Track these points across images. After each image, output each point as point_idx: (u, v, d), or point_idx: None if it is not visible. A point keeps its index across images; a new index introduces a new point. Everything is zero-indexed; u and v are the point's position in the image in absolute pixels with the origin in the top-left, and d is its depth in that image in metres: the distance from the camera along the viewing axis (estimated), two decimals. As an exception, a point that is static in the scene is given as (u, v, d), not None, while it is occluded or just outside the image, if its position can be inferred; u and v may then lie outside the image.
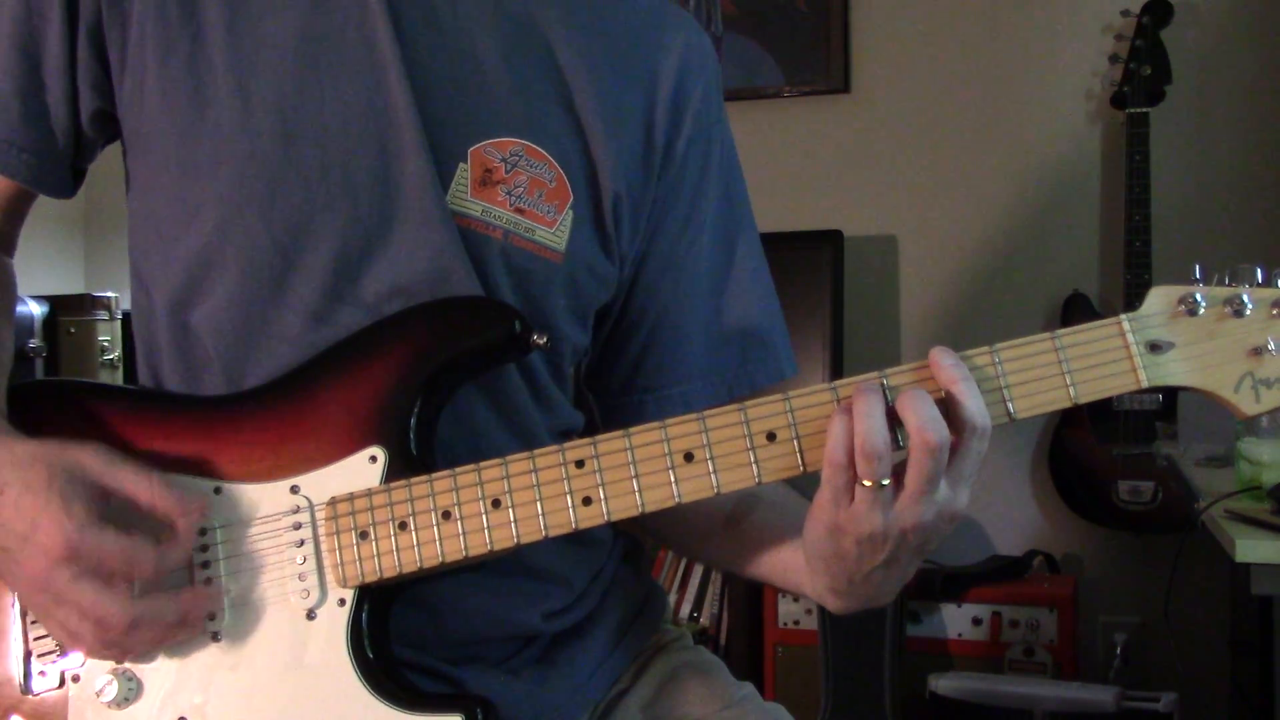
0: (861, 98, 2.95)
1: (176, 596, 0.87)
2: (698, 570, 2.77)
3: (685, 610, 2.76)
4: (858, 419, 0.81)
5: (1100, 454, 2.61)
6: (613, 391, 1.11)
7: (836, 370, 2.68)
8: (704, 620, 2.75)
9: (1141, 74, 2.58)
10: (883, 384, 0.83)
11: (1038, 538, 2.82)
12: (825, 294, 2.70)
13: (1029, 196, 2.83)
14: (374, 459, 0.89)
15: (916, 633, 2.54)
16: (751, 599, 2.67)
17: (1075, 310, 2.69)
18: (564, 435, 1.07)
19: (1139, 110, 2.58)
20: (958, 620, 2.53)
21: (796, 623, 2.61)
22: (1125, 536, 2.69)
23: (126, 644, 0.86)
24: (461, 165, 0.96)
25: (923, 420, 0.80)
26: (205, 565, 0.90)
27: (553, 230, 0.99)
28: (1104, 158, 2.78)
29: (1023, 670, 2.48)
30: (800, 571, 0.95)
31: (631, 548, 1.14)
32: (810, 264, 2.70)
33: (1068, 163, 2.81)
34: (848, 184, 2.95)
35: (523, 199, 0.98)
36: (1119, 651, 2.65)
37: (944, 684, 2.40)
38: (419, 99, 0.94)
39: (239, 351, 0.95)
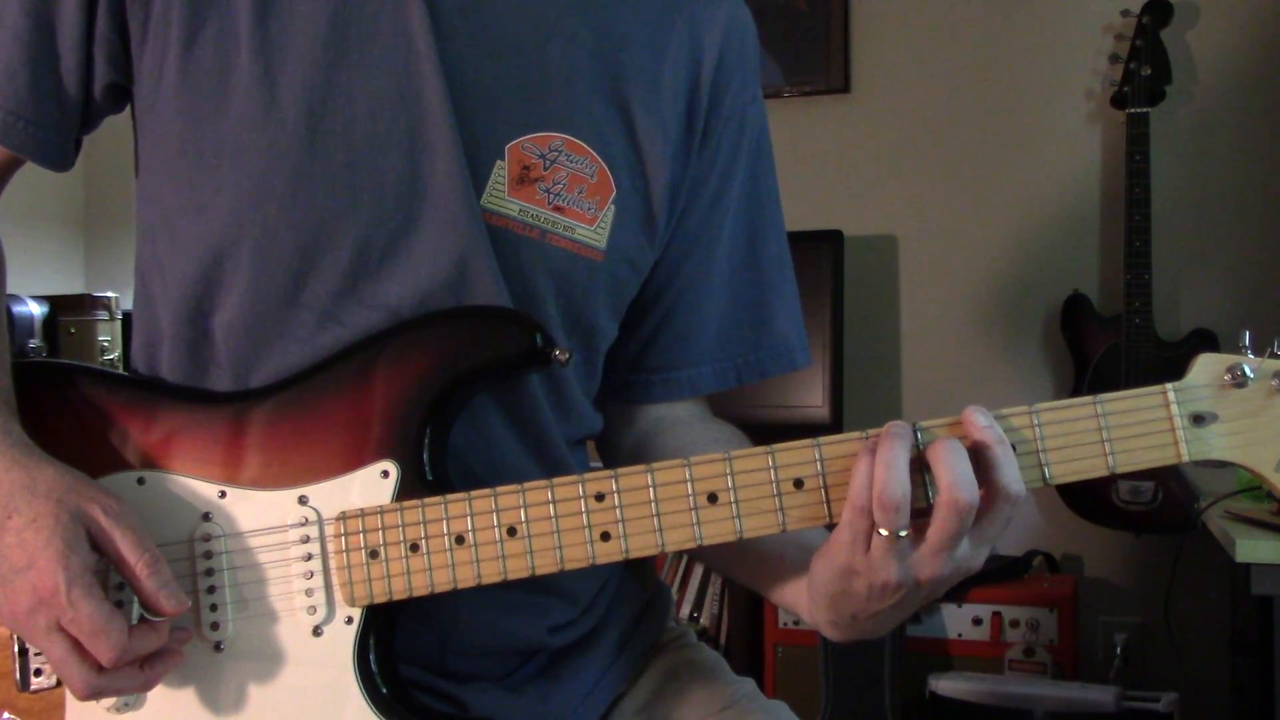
0: (861, 98, 2.95)
1: (140, 672, 0.84)
2: (698, 570, 2.77)
3: (685, 610, 2.75)
4: (879, 466, 0.78)
5: (1100, 454, 2.60)
6: (619, 369, 1.08)
7: (836, 371, 2.68)
8: (704, 620, 2.75)
9: (1141, 74, 2.58)
10: (915, 429, 0.81)
11: (1038, 538, 2.81)
12: (825, 294, 2.69)
13: (1029, 196, 2.83)
14: (386, 474, 0.87)
15: (916, 633, 2.54)
16: (751, 599, 2.66)
17: (1075, 310, 2.69)
18: (581, 443, 1.05)
19: (1139, 110, 2.57)
20: (958, 620, 2.53)
21: (796, 623, 2.60)
22: (1125, 536, 2.69)
23: (91, 699, 0.85)
24: (499, 162, 0.93)
25: (955, 477, 0.77)
26: (209, 573, 0.89)
27: (593, 228, 0.97)
28: (1104, 158, 2.78)
29: (1023, 670, 2.48)
30: (799, 595, 0.92)
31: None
32: (810, 264, 2.70)
33: (1068, 163, 2.80)
34: (848, 184, 2.95)
35: (562, 196, 0.95)
36: (1119, 651, 2.65)
37: (944, 684, 2.40)
38: (454, 93, 0.91)
39: (249, 350, 0.92)
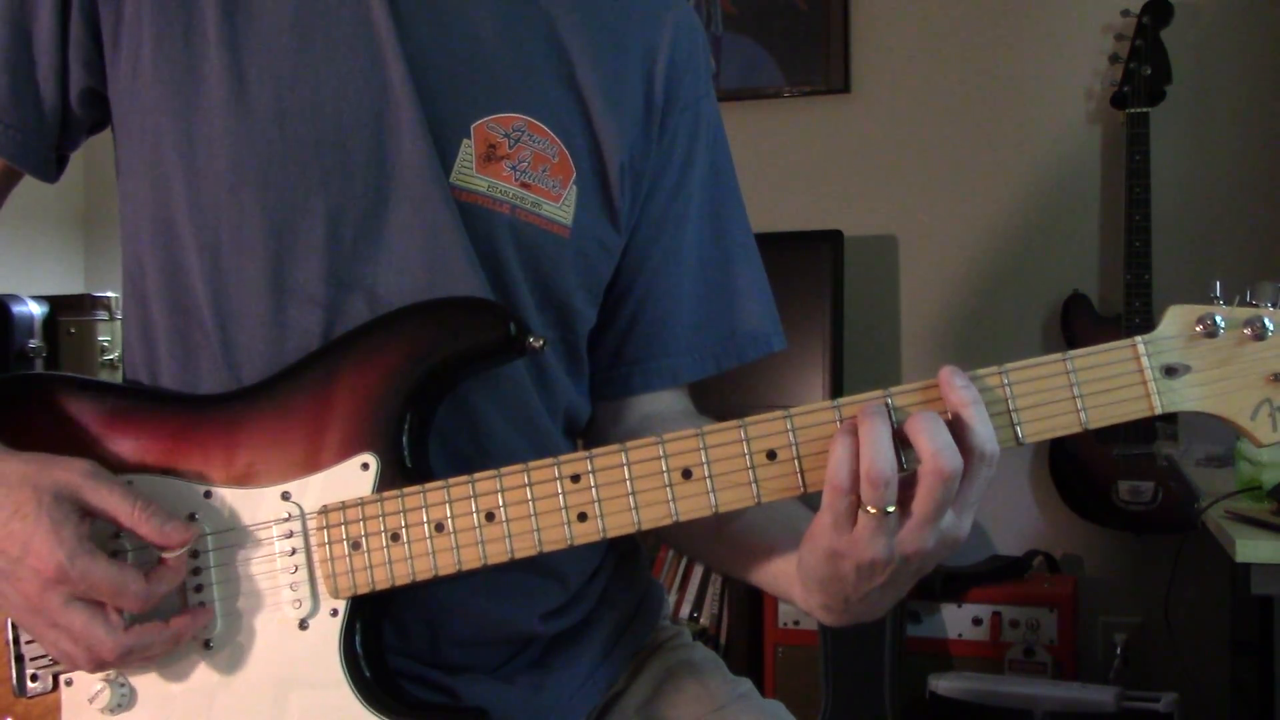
0: (861, 98, 2.95)
1: (166, 625, 0.86)
2: (698, 570, 2.77)
3: (685, 610, 2.75)
4: (864, 444, 0.78)
5: (1100, 454, 2.61)
6: (599, 365, 1.10)
7: (836, 370, 2.68)
8: (704, 620, 2.75)
9: (1141, 74, 2.58)
10: (888, 405, 0.81)
11: (1038, 538, 2.82)
12: (825, 294, 2.69)
13: (1029, 196, 2.83)
14: (365, 466, 0.88)
15: (916, 633, 2.54)
16: (751, 599, 2.67)
17: (1075, 310, 2.69)
18: (570, 424, 1.07)
19: (1139, 110, 2.57)
20: (958, 620, 2.53)
21: (796, 623, 2.60)
22: (1125, 536, 2.69)
23: (119, 666, 0.86)
24: (465, 141, 0.96)
25: (938, 446, 0.77)
26: (196, 572, 0.89)
27: (558, 205, 0.99)
28: (1104, 158, 2.78)
29: (1023, 670, 2.48)
30: (792, 583, 0.93)
31: (629, 547, 1.13)
32: (810, 264, 2.70)
33: (1068, 163, 2.80)
34: (848, 184, 2.95)
35: (527, 174, 0.98)
36: (1119, 651, 2.65)
37: (944, 684, 2.40)
38: (417, 76, 0.94)
39: (238, 337, 0.94)
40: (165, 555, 0.86)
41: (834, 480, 0.79)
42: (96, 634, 0.83)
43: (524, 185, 0.97)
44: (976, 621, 2.52)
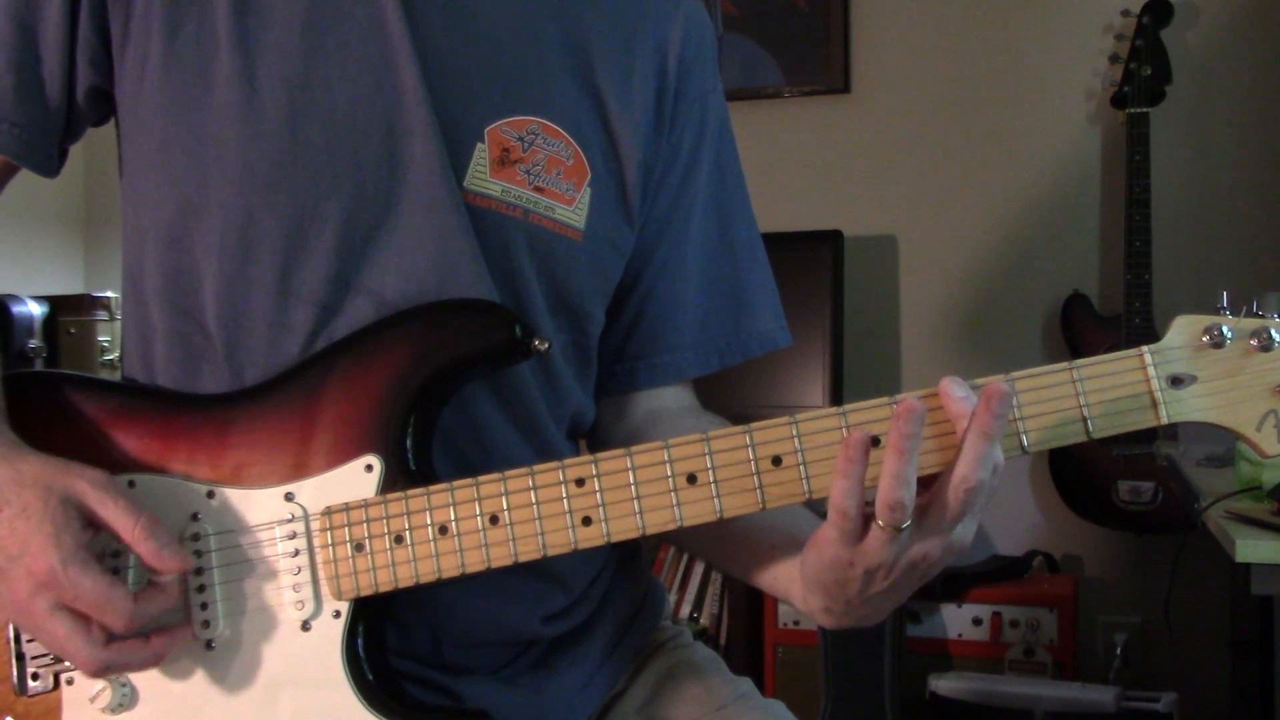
0: (861, 98, 2.95)
1: (146, 644, 0.85)
2: (698, 570, 2.77)
3: (685, 610, 2.76)
4: (890, 478, 0.77)
5: (1100, 454, 2.61)
6: (605, 361, 1.10)
7: (837, 370, 2.68)
8: (704, 620, 2.75)
9: (1141, 74, 2.58)
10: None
11: (1038, 538, 2.82)
12: (825, 294, 2.69)
13: (1029, 196, 2.83)
14: (370, 468, 0.88)
15: (916, 633, 2.54)
16: (751, 599, 2.67)
17: (1075, 310, 2.69)
18: (574, 427, 1.06)
19: (1139, 110, 2.57)
20: (958, 620, 2.53)
21: (796, 623, 2.60)
22: (1125, 536, 2.69)
23: (96, 679, 0.86)
24: (479, 145, 0.95)
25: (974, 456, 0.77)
26: (199, 571, 0.89)
27: (571, 208, 0.99)
28: (1104, 158, 2.78)
29: (1023, 670, 2.48)
30: (792, 585, 0.92)
31: (631, 549, 1.13)
32: (810, 264, 2.70)
33: (1068, 163, 2.80)
34: (848, 184, 2.95)
35: (541, 177, 0.97)
36: (1119, 651, 2.65)
37: (944, 684, 2.40)
38: (432, 80, 0.93)
39: (244, 341, 0.93)
40: (156, 579, 0.85)
41: (840, 506, 0.79)
42: (76, 646, 0.83)
43: (537, 189, 0.97)
44: (976, 621, 2.52)
